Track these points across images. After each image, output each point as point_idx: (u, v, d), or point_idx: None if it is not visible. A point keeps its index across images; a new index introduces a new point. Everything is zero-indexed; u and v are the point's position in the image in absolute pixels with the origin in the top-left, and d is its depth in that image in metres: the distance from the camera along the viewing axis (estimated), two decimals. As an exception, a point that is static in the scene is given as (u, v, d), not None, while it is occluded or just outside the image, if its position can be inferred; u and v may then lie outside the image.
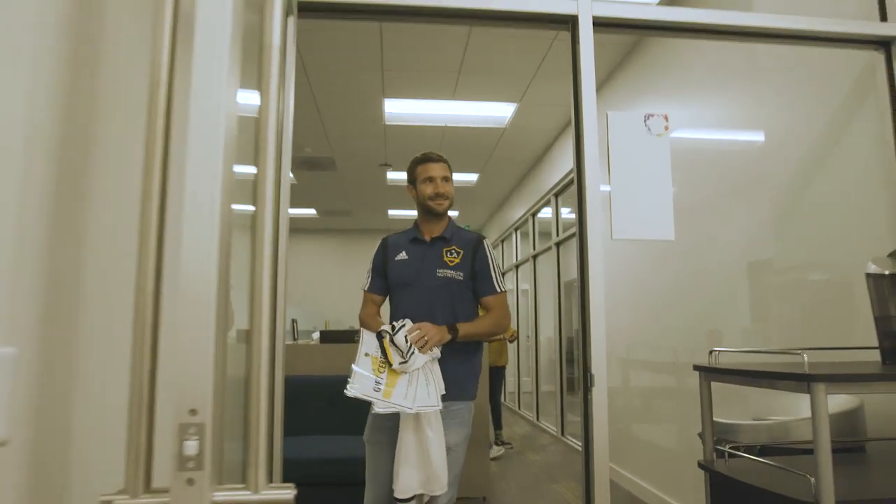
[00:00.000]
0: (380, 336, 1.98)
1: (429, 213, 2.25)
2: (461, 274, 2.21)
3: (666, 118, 1.88)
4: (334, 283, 10.04)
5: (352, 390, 1.83)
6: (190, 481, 0.73)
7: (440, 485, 1.92)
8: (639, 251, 3.95)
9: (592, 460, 1.75)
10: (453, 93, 5.23)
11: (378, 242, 2.35)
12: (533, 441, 6.36)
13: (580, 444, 1.91)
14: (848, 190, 2.29)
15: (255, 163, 0.85)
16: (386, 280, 2.26)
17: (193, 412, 0.74)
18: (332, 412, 3.64)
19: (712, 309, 3.20)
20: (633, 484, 3.93)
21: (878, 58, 2.13)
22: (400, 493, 1.91)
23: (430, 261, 2.22)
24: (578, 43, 1.86)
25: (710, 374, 1.70)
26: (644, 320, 3.96)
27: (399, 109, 5.56)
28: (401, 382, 1.91)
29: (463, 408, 2.09)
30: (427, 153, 2.31)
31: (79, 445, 0.96)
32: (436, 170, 2.24)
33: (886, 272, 1.68)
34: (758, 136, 2.96)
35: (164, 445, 0.76)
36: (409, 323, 2.01)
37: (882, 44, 2.10)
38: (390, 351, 1.94)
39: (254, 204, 0.84)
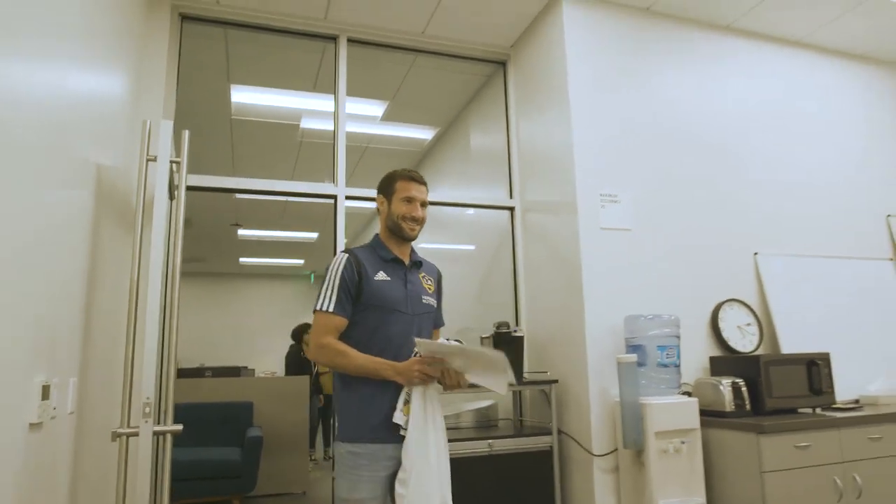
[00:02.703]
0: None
1: (397, 234, 2.09)
2: (435, 303, 2.17)
3: (386, 250, 3.48)
4: (185, 324, 10.63)
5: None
6: (146, 421, 2.11)
7: None
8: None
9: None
10: (292, 175, 6.68)
11: (344, 258, 2.03)
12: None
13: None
14: (499, 289, 4.03)
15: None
16: (353, 302, 1.99)
17: (148, 398, 2.13)
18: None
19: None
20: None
21: (508, 216, 3.91)
22: None
23: (414, 286, 2.10)
24: (336, 211, 3.43)
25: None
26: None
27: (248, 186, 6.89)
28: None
29: None
30: (410, 171, 2.14)
31: (99, 412, 2.29)
32: (417, 191, 2.09)
33: (483, 336, 3.37)
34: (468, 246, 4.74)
35: (135, 410, 2.15)
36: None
37: (510, 209, 3.87)
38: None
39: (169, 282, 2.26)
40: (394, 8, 3.52)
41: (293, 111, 4.93)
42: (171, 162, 2.34)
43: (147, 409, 2.11)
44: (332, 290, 1.97)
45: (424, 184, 2.14)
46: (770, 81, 3.91)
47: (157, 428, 2.15)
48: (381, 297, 2.00)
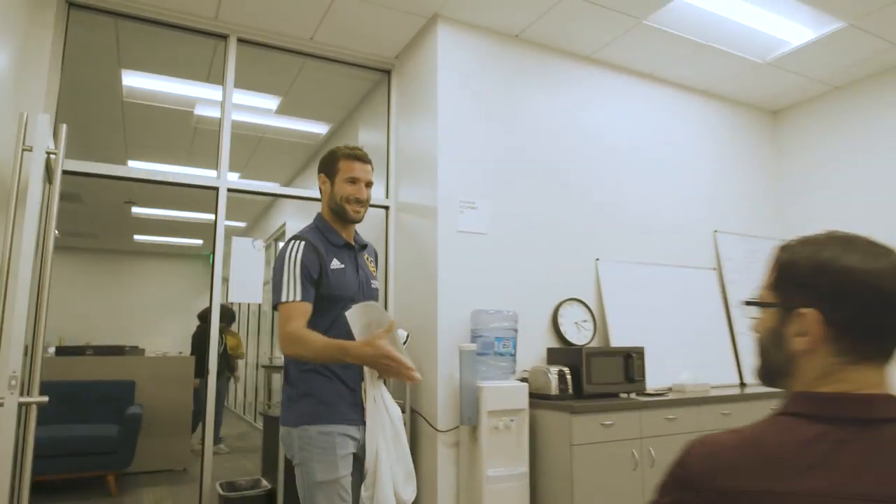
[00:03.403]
0: None
1: (341, 216, 2.04)
2: (379, 285, 2.16)
3: (263, 241, 3.73)
4: (73, 301, 9.97)
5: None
6: (12, 393, 2.30)
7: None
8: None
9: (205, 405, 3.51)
10: (189, 159, 6.73)
11: (301, 245, 1.95)
12: (246, 436, 7.95)
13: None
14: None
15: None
16: (315, 290, 1.93)
17: (14, 372, 2.32)
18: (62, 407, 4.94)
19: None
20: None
21: (384, 214, 4.25)
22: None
23: (364, 271, 2.08)
24: (218, 202, 3.65)
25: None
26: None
27: (142, 166, 6.88)
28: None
29: None
30: (354, 148, 2.07)
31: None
32: (362, 171, 2.04)
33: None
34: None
35: (2, 384, 2.32)
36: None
37: (385, 208, 4.21)
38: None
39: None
40: (283, 13, 3.75)
41: (187, 98, 5.04)
42: (48, 153, 2.51)
43: (13, 382, 2.30)
44: (295, 280, 1.90)
45: (369, 162, 2.09)
46: (623, 109, 4.44)
47: (23, 399, 2.34)
48: (338, 287, 1.96)
